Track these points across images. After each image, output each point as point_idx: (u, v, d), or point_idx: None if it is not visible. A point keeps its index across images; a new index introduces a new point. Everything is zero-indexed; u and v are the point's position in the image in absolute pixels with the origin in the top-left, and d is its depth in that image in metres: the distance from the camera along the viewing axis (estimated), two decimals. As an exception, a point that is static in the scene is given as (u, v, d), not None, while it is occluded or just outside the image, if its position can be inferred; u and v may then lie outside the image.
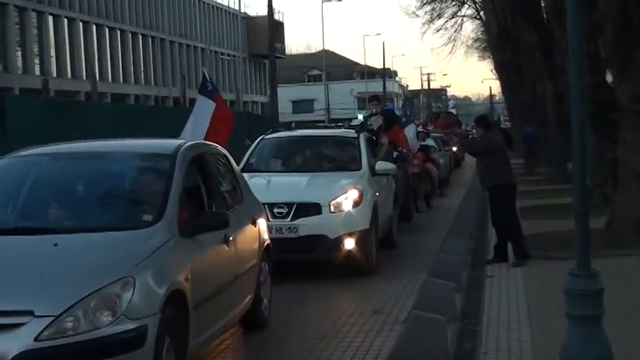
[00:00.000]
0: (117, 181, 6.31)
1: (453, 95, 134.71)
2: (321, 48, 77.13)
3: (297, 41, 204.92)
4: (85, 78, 44.62)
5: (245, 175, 8.54)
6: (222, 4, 68.78)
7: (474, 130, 12.23)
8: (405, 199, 15.37)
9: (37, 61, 43.70)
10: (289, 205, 9.86)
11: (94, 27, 49.40)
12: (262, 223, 7.69)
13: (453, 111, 75.68)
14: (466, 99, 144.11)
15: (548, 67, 21.97)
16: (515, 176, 11.20)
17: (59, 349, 4.70)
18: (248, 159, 11.72)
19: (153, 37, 56.59)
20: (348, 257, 9.93)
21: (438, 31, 43.15)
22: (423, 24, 42.57)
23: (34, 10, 43.48)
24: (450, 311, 7.10)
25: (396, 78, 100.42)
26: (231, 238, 6.51)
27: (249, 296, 7.11)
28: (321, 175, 11.00)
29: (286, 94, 75.41)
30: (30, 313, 4.75)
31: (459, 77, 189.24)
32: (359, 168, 11.20)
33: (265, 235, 7.70)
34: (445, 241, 10.39)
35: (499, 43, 35.51)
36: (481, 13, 43.25)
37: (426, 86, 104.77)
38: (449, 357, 6.05)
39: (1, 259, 5.27)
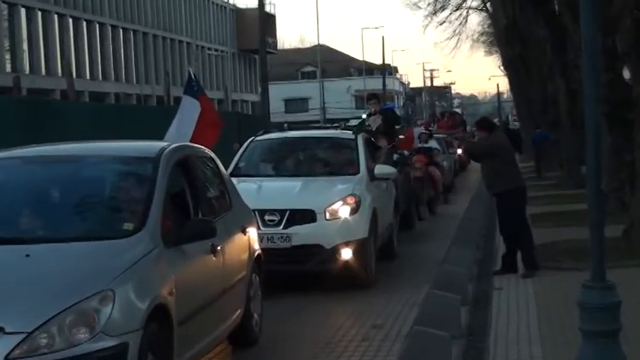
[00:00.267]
0: (95, 187, 6.31)
1: (457, 93, 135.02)
2: (316, 42, 77.30)
3: (289, 35, 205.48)
4: (60, 75, 44.61)
5: (234, 179, 8.53)
6: (209, -4, 68.88)
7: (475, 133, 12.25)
8: (407, 206, 15.37)
9: (8, 56, 43.67)
10: (281, 212, 9.85)
11: (71, 20, 49.40)
12: (252, 231, 7.69)
13: (458, 110, 75.78)
14: (472, 97, 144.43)
15: (560, 63, 22.01)
16: (524, 180, 11.21)
17: (32, 368, 4.68)
18: (237, 162, 11.72)
19: (134, 31, 56.60)
20: (345, 268, 9.92)
21: (441, 24, 43.12)
22: (426, 16, 42.53)
23: (4, 2, 43.46)
24: (454, 326, 7.10)
25: (397, 75, 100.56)
26: (219, 248, 6.50)
27: (239, 311, 7.10)
28: (316, 179, 11.00)
29: (278, 92, 75.46)
30: (0, 329, 4.73)
31: (464, 74, 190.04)
32: (357, 172, 11.20)
33: (256, 245, 7.70)
34: (449, 251, 10.39)
35: (507, 38, 35.58)
36: (488, 4, 43.30)
37: (428, 84, 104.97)
38: (454, 376, 6.04)
39: (-32, 271, 5.25)
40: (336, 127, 13.98)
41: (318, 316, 8.84)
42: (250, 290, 7.41)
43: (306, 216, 9.90)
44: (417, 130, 22.60)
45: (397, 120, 15.34)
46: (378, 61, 79.37)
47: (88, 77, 50.25)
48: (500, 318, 7.96)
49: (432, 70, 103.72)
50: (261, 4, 32.02)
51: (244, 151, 12.02)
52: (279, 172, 11.62)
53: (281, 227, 9.81)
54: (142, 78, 57.14)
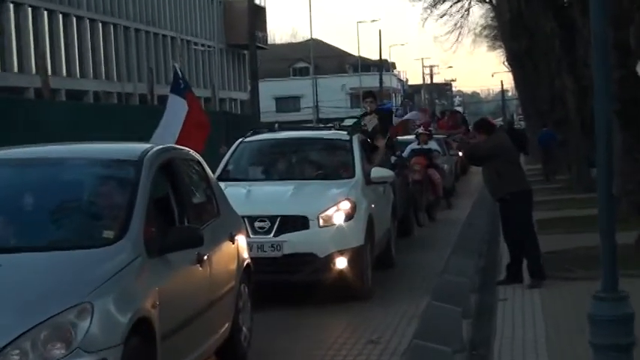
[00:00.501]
0: (72, 192, 6.30)
1: (459, 91, 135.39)
2: (309, 37, 77.37)
3: (281, 29, 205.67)
4: (34, 72, 44.50)
5: (222, 184, 8.54)
6: (194, -13, 68.89)
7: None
8: (405, 211, 15.39)
9: (-23, 52, 43.61)
10: (272, 218, 9.86)
11: (45, 13, 49.29)
12: (241, 239, 7.69)
13: (459, 109, 75.86)
14: (474, 95, 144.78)
15: (568, 59, 22.06)
16: (530, 183, 11.23)
17: (4, 387, 4.68)
18: (225, 166, 11.72)
19: (115, 25, 56.55)
20: (339, 279, 9.92)
21: (441, 16, 43.20)
22: (425, 9, 42.57)
23: (-27, -6, 43.39)
24: (456, 341, 7.10)
25: (395, 71, 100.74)
26: (205, 258, 6.50)
27: (227, 324, 7.10)
28: (309, 183, 11.01)
29: (269, 89, 75.52)
30: (-30, 345, 4.73)
31: (466, 70, 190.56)
32: (352, 175, 11.21)
33: (245, 254, 7.70)
34: (450, 260, 10.40)
35: (512, 31, 35.66)
36: (491, -4, 43.45)
37: (428, 80, 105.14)
38: (456, 393, 6.05)
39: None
40: (330, 128, 13.99)
41: (310, 329, 8.84)
42: (239, 302, 7.40)
43: (298, 223, 9.90)
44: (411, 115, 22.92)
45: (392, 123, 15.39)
46: (375, 57, 79.61)
47: (64, 74, 50.15)
48: (504, 331, 7.96)
49: (431, 67, 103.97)
50: (251, -5, 32.07)
51: (232, 153, 12.02)
52: (270, 176, 11.63)
53: (272, 235, 9.81)
54: (124, 75, 57.08)
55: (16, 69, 46.19)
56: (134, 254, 5.60)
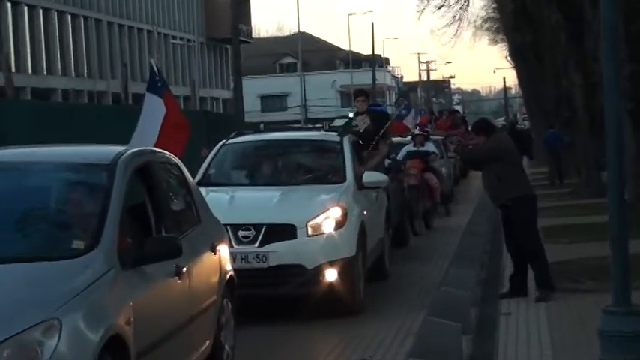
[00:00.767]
0: (39, 199, 6.28)
1: (458, 88, 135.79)
2: (296, 30, 77.53)
3: (266, 22, 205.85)
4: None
5: (202, 189, 8.52)
6: (172, -23, 68.91)
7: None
8: (400, 219, 15.40)
9: None
10: (257, 227, 9.86)
11: (9, 4, 49.23)
12: (224, 250, 7.69)
13: (458, 108, 76.09)
14: (474, 93, 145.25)
15: (576, 53, 22.12)
16: (534, 188, 11.25)
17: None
18: (206, 170, 11.72)
19: (86, 18, 56.52)
20: (329, 291, 9.92)
21: (439, 8, 43.17)
22: (421, 0, 42.71)
23: None
24: (455, 358, 7.11)
25: (389, 67, 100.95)
26: (184, 270, 6.49)
27: (207, 342, 7.09)
28: (296, 189, 11.02)
29: (253, 87, 75.59)
30: None
31: (466, 66, 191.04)
32: (342, 180, 11.21)
33: (228, 266, 7.70)
34: (449, 271, 10.41)
35: (515, 24, 35.75)
36: (493, -15, 43.59)
37: (424, 77, 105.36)
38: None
39: None
40: (319, 128, 14.02)
41: (298, 347, 8.84)
42: (221, 317, 7.40)
43: (285, 231, 9.90)
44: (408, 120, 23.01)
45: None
46: (367, 52, 79.71)
47: (29, 71, 50.10)
48: (507, 348, 7.98)
49: (428, 62, 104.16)
50: (233, -14, 32.10)
51: (214, 156, 12.02)
52: (255, 181, 11.63)
53: (256, 244, 9.81)
54: (95, 72, 57.03)
55: (-23, 66, 46.03)
56: (107, 266, 5.58)
